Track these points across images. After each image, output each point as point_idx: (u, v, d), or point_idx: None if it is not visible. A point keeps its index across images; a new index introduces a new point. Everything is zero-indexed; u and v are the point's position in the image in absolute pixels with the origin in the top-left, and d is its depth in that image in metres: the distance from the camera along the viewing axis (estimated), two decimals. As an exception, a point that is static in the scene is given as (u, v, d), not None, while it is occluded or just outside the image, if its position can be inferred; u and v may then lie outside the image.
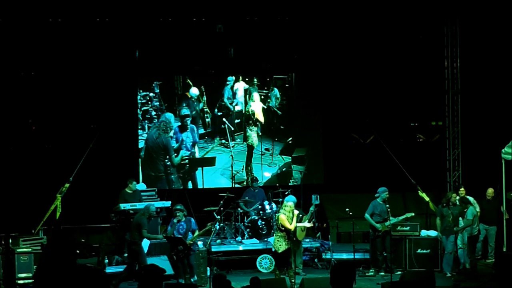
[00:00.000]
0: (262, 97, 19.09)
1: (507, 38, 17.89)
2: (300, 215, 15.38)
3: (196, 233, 14.99)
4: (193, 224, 15.05)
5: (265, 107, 19.09)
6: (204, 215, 17.07)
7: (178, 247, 14.61)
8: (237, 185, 18.80)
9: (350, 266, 7.35)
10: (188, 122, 18.63)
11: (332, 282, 7.14)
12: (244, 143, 19.06)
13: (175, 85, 18.83)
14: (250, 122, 19.01)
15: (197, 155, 18.81)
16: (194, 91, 18.76)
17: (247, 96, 19.04)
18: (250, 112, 19.00)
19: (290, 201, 14.66)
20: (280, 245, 14.30)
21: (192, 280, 14.60)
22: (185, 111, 18.61)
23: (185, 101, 18.74)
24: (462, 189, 16.43)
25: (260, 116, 19.03)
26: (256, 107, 19.01)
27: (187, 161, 18.77)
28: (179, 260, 14.73)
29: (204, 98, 18.78)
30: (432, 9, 18.08)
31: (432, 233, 16.32)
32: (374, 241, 15.99)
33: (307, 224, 15.50)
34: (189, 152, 18.74)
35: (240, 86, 19.06)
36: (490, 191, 17.04)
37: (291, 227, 14.40)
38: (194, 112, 18.78)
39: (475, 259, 15.97)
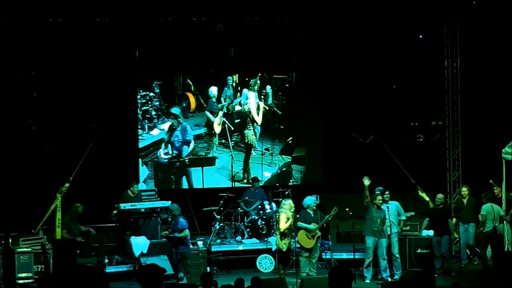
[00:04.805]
0: (262, 96, 19.09)
1: (507, 38, 17.88)
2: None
3: (185, 232, 15.04)
4: (179, 224, 15.12)
5: (266, 107, 19.08)
6: (204, 215, 17.07)
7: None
8: (237, 185, 18.79)
9: (348, 268, 7.33)
10: (181, 121, 18.62)
11: (330, 284, 7.12)
12: (243, 142, 19.07)
13: (175, 85, 18.85)
14: (248, 120, 19.01)
15: (183, 154, 18.72)
16: (213, 90, 18.74)
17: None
18: (246, 110, 19.00)
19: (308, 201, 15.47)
20: (284, 243, 14.65)
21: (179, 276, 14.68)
22: (176, 109, 18.58)
23: (185, 100, 18.73)
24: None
25: (255, 115, 18.99)
26: (252, 106, 18.99)
27: (175, 160, 18.73)
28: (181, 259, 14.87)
29: (227, 102, 18.77)
30: (432, 9, 18.05)
31: (432, 233, 16.28)
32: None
33: (309, 226, 15.32)
34: (177, 152, 18.69)
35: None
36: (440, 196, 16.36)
37: (281, 227, 15.17)
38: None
39: (485, 256, 15.95)
